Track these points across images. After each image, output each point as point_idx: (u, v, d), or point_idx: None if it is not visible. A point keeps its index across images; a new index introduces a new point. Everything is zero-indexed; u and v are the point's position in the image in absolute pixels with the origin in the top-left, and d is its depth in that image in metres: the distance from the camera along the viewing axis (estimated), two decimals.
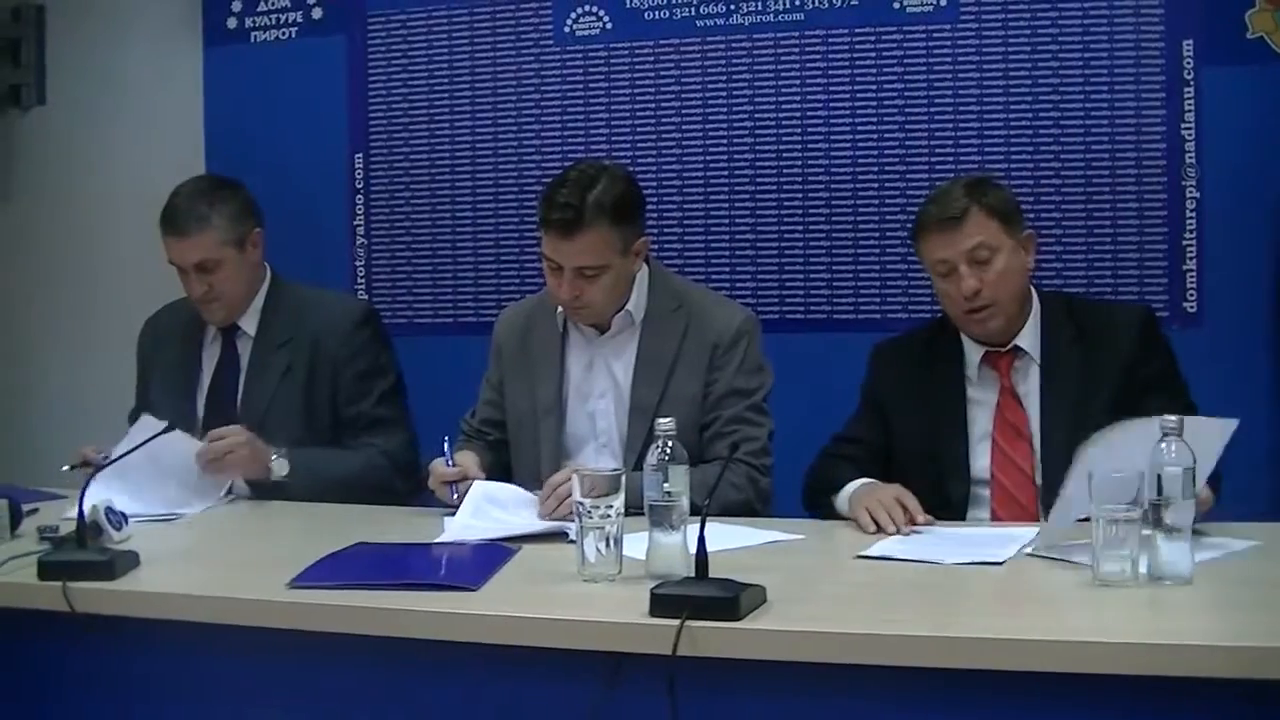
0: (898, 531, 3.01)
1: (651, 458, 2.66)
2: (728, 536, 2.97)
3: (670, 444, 2.66)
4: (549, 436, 3.51)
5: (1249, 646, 2.27)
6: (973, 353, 3.40)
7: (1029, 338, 3.37)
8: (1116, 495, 2.56)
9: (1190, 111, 4.47)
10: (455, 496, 3.30)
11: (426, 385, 4.10)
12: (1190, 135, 4.47)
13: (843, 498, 3.22)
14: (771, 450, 3.46)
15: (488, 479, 3.36)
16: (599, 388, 3.54)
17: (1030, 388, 3.36)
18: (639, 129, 4.81)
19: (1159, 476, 2.58)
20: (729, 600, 2.38)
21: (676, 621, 2.35)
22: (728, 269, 4.77)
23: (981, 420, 3.38)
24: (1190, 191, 4.47)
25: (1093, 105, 4.52)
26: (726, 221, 4.77)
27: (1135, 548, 2.57)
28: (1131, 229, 4.50)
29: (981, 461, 3.35)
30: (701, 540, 2.47)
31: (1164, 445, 2.59)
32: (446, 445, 3.42)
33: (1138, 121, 4.50)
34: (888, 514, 3.05)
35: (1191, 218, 4.47)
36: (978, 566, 2.77)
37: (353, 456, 3.74)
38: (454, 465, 3.37)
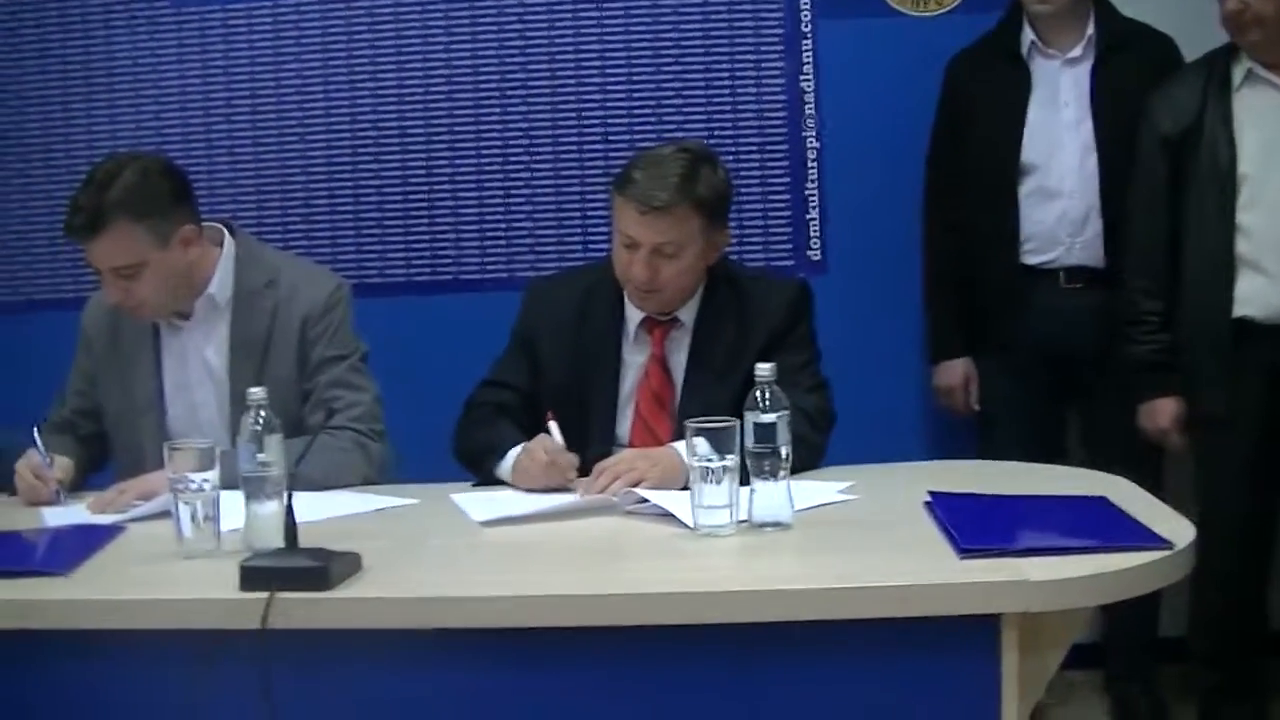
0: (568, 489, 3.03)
1: (244, 428, 2.62)
2: (334, 505, 2.97)
3: (263, 413, 2.62)
4: (150, 435, 3.35)
5: (844, 588, 2.34)
6: (633, 313, 3.36)
7: (689, 311, 3.34)
8: (713, 444, 2.61)
9: (809, 64, 4.57)
10: (59, 494, 3.20)
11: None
12: (810, 87, 4.58)
13: (505, 468, 3.19)
14: (381, 415, 3.39)
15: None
16: (196, 378, 3.42)
17: (682, 358, 3.34)
18: (259, 94, 4.71)
19: (755, 424, 2.63)
20: (318, 570, 2.36)
21: (266, 594, 2.32)
22: (328, 236, 4.75)
23: (630, 383, 3.36)
24: (811, 142, 4.58)
25: (713, 59, 4.59)
26: (350, 185, 4.73)
27: (733, 496, 2.62)
28: (755, 180, 4.59)
29: (624, 426, 3.34)
30: (290, 510, 2.45)
31: (758, 393, 2.64)
32: (38, 436, 3.27)
33: (758, 75, 4.59)
34: (546, 477, 3.06)
35: (813, 168, 4.58)
36: (584, 522, 2.82)
37: None
38: (49, 460, 3.23)
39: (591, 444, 3.24)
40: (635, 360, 3.36)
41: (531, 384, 3.40)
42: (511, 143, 4.64)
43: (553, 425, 3.16)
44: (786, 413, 2.64)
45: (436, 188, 4.68)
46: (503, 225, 4.67)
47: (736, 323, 3.32)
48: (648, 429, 3.32)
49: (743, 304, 3.34)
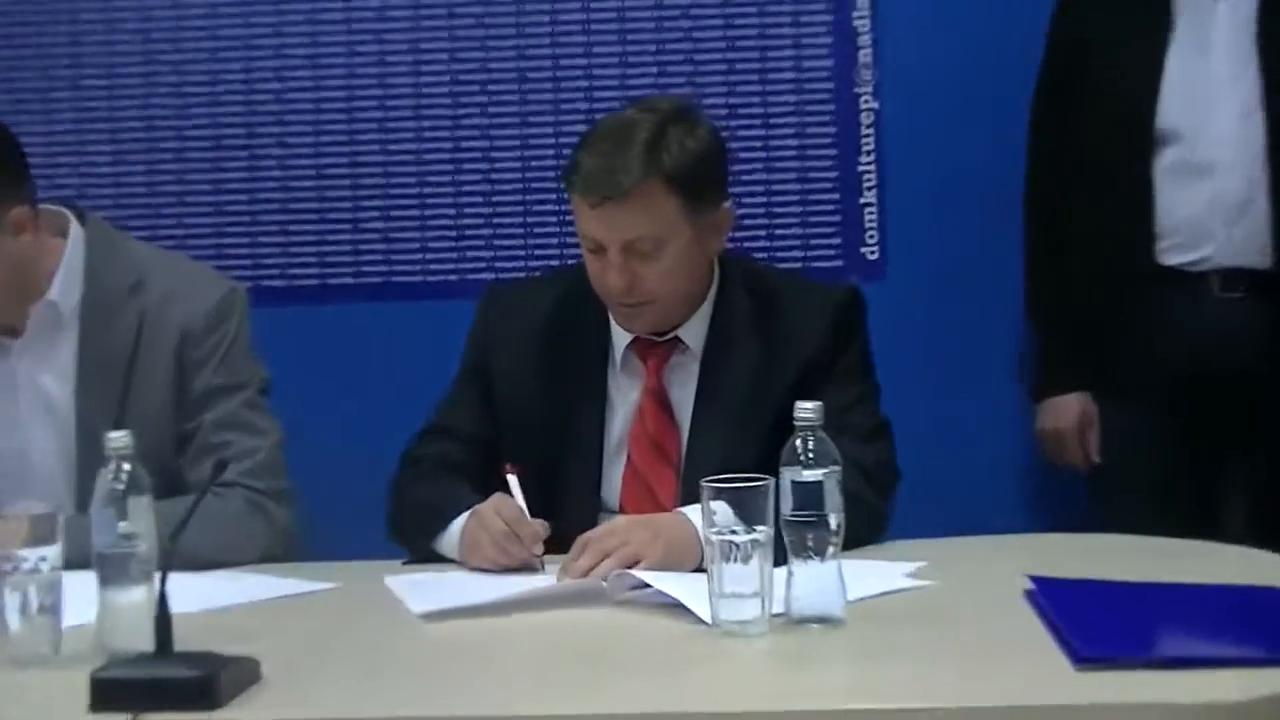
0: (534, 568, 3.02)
1: (100, 487, 2.58)
2: (223, 591, 2.96)
3: (126, 466, 2.58)
4: None
5: (917, 710, 2.30)
6: (620, 333, 3.34)
7: (696, 329, 3.33)
8: (737, 511, 2.57)
9: None
10: None
11: None
12: (865, 29, 4.57)
13: (450, 541, 3.16)
14: (283, 465, 3.37)
15: None
16: (28, 414, 3.40)
17: (688, 392, 3.32)
18: (114, 40, 4.75)
19: (794, 484, 2.59)
20: (201, 681, 2.31)
21: (128, 717, 2.28)
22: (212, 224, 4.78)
23: (620, 427, 3.35)
24: (866, 102, 4.57)
25: None
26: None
27: (765, 582, 2.58)
28: (791, 156, 4.61)
29: (612, 484, 3.33)
30: (163, 599, 2.41)
31: (798, 442, 2.60)
32: None
33: (796, 14, 4.59)
34: (504, 553, 3.03)
35: (868, 137, 4.57)
36: (560, 616, 2.79)
37: None
38: None
39: (568, 508, 3.23)
40: (626, 395, 3.35)
41: (487, 429, 3.39)
42: (464, 101, 4.66)
43: (512, 481, 3.14)
44: (837, 468, 2.60)
45: (361, 160, 4.72)
46: (451, 212, 4.68)
47: (762, 343, 3.31)
48: (645, 488, 3.30)
49: (771, 318, 3.33)
